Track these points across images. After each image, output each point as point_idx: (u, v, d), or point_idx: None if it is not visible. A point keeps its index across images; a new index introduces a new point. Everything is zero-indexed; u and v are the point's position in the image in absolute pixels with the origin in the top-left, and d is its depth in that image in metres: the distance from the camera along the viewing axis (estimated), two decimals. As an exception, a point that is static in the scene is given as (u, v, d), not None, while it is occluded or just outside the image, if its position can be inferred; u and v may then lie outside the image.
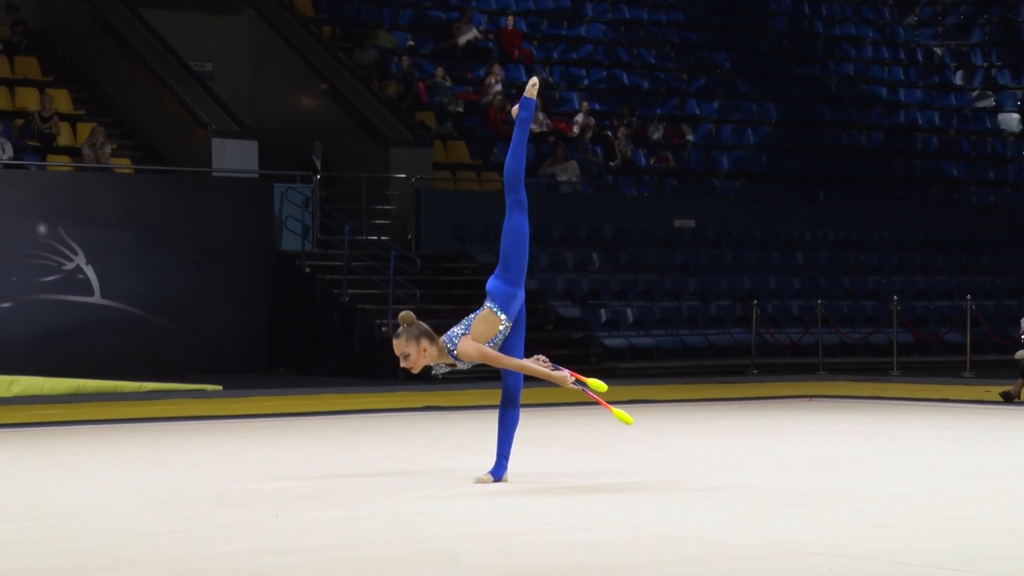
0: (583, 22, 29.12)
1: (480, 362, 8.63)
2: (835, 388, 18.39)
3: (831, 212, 26.70)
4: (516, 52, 27.37)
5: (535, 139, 25.76)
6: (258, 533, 7.01)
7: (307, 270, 21.52)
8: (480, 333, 8.58)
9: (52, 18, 24.99)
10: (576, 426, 13.43)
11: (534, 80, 9.03)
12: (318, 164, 23.27)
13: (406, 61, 25.82)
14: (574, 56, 28.30)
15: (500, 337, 8.65)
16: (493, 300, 8.66)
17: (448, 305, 20.39)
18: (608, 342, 21.95)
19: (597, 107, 27.09)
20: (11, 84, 22.89)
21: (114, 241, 20.40)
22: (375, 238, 22.35)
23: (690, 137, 27.41)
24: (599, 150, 26.19)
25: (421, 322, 8.60)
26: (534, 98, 8.99)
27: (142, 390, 17.18)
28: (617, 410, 8.64)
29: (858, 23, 32.25)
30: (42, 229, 20.00)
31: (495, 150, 25.26)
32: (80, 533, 7.02)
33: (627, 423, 8.59)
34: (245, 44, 25.78)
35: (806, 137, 28.68)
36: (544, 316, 22.18)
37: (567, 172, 25.00)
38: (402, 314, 8.60)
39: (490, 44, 27.29)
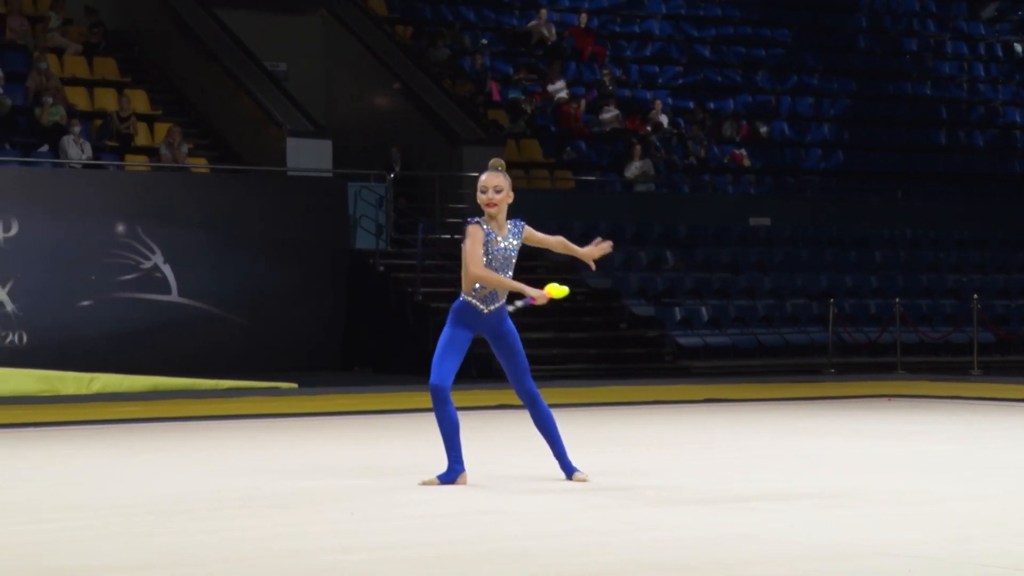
0: (656, 18, 29.01)
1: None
2: (914, 388, 18.18)
3: (909, 209, 26.42)
4: (589, 50, 27.31)
5: (609, 138, 25.68)
6: (334, 530, 7.02)
7: (381, 269, 21.57)
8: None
9: (130, 20, 25.24)
10: (649, 425, 13.37)
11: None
12: (397, 167, 23.38)
13: (479, 60, 25.84)
14: (647, 53, 28.21)
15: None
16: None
17: (521, 304, 20.34)
18: (682, 341, 21.83)
19: (671, 103, 26.97)
20: (90, 85, 23.13)
21: (191, 240, 20.55)
22: (448, 236, 22.37)
23: (764, 129, 27.23)
24: (674, 147, 26.07)
25: None
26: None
27: (218, 388, 17.29)
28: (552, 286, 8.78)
29: (930, 18, 31.90)
30: (120, 228, 20.18)
31: (568, 148, 25.22)
32: (160, 529, 7.06)
33: (560, 295, 8.77)
34: (319, 44, 25.92)
35: (884, 134, 28.41)
36: (618, 315, 22.13)
37: (641, 170, 24.91)
38: (496, 159, 8.87)
39: (563, 43, 27.25)
